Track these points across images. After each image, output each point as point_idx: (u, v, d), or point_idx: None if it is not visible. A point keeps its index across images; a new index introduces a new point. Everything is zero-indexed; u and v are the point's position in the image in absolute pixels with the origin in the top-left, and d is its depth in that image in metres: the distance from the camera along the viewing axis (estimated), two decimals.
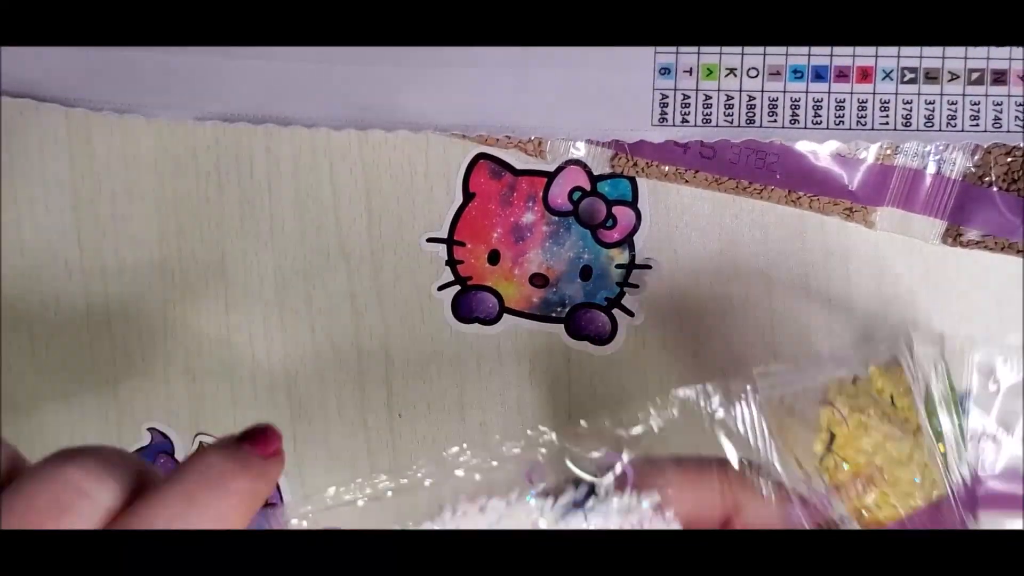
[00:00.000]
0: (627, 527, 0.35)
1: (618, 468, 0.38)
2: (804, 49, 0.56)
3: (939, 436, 0.62)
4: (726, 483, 0.39)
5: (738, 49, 0.57)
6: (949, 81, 0.58)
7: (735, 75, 0.58)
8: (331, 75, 0.57)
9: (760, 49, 0.57)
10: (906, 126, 0.59)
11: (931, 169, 0.63)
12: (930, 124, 0.58)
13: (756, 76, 0.58)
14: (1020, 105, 0.57)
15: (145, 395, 0.73)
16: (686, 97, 0.59)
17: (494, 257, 0.70)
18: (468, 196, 0.69)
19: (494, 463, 0.40)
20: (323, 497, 0.38)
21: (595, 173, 0.68)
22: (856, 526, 0.40)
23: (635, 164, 0.65)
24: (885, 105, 0.58)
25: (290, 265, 0.71)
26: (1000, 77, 0.57)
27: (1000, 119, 0.58)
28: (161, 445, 0.72)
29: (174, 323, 0.72)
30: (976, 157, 0.62)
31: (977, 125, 0.58)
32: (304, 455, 0.72)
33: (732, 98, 0.59)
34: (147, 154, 0.70)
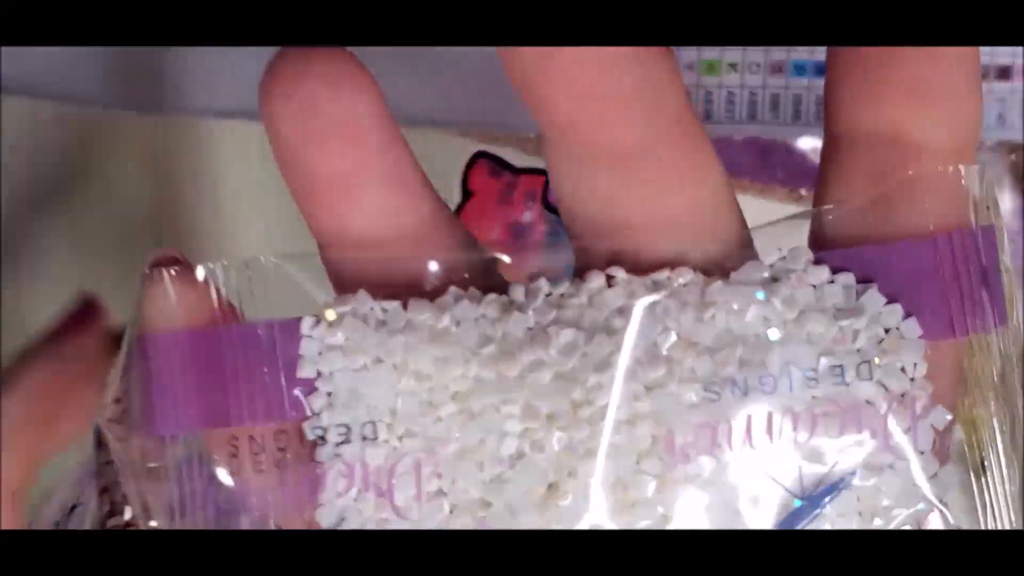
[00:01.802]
0: None
1: None
2: None
3: None
4: None
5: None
6: None
7: (736, 70, 0.58)
8: None
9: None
10: None
11: None
12: None
13: (758, 71, 0.58)
14: None
15: None
16: (687, 93, 0.58)
17: None
18: (467, 194, 0.69)
19: None
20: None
21: None
22: None
23: None
24: None
25: None
26: (1005, 72, 0.57)
27: (1003, 115, 0.57)
28: None
29: None
30: (979, 154, 0.62)
31: None
32: None
33: (734, 94, 0.58)
34: (143, 152, 0.69)
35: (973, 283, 0.37)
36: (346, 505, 0.38)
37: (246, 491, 0.38)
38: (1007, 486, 0.38)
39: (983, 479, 0.38)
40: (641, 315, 0.38)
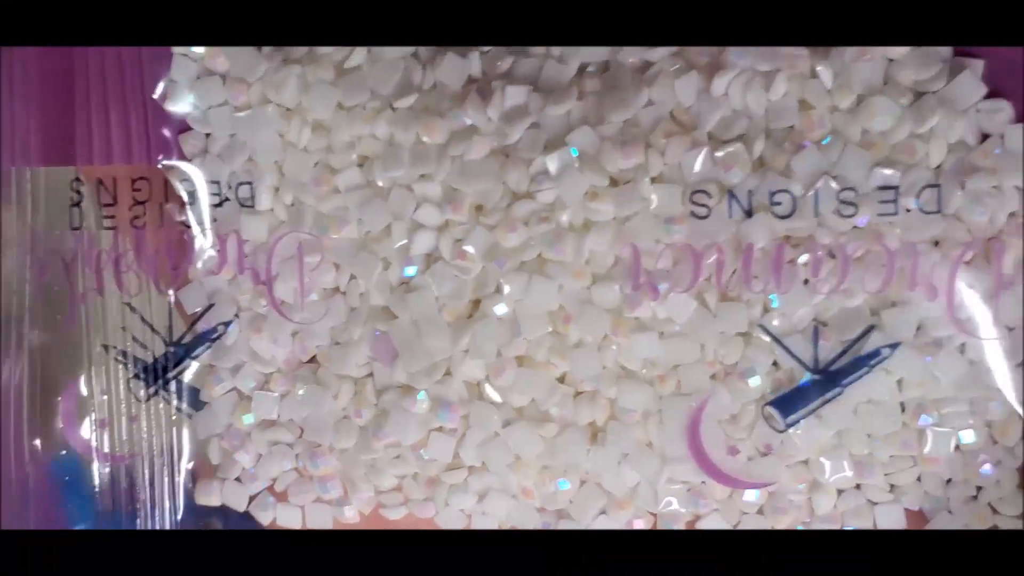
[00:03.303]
0: None
1: None
2: None
3: None
4: None
5: None
6: None
7: None
8: None
9: None
10: None
11: None
12: None
13: None
14: None
15: None
16: None
17: None
18: None
19: None
20: None
21: None
22: None
23: None
24: None
25: None
26: None
27: None
28: None
29: None
30: None
31: None
32: None
33: None
34: None
35: None
36: (217, 288, 0.29)
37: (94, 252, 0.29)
38: None
39: None
40: (625, 78, 0.26)
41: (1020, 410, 0.25)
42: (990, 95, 0.24)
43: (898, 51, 0.25)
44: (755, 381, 0.26)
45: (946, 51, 0.25)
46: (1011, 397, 0.25)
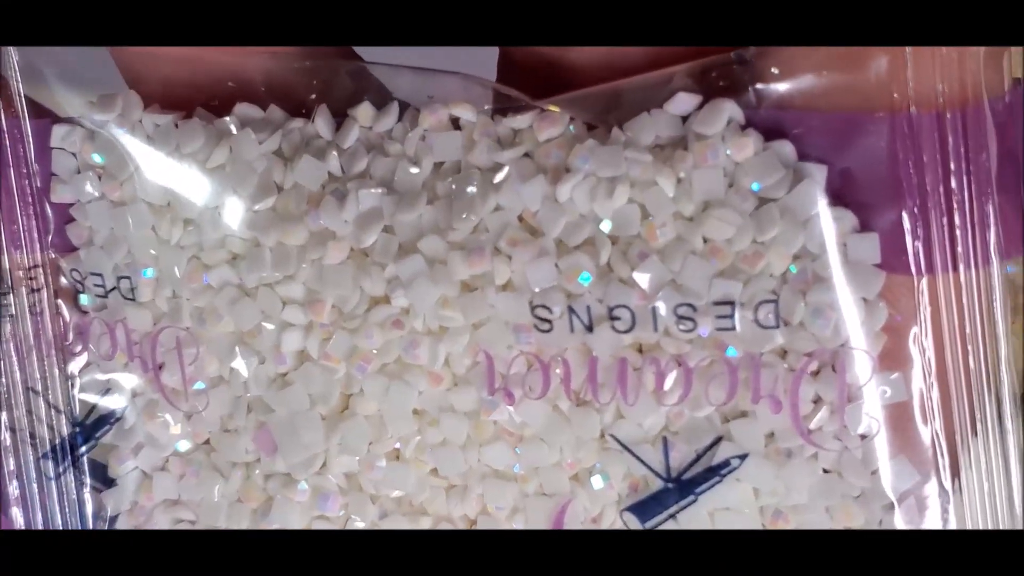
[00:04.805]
0: None
1: None
2: None
3: None
4: None
5: None
6: None
7: None
8: None
9: None
10: None
11: None
12: None
13: None
14: None
15: None
16: None
17: None
18: None
19: None
20: None
21: None
22: None
23: None
24: None
25: None
26: None
27: None
28: None
29: None
30: None
31: None
32: None
33: None
34: None
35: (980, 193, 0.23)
36: (112, 372, 0.29)
37: None
38: None
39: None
40: (475, 179, 0.25)
41: (878, 517, 0.24)
42: (833, 203, 0.23)
43: (743, 155, 0.24)
44: (597, 482, 0.25)
45: (791, 157, 0.24)
46: (868, 503, 0.24)
